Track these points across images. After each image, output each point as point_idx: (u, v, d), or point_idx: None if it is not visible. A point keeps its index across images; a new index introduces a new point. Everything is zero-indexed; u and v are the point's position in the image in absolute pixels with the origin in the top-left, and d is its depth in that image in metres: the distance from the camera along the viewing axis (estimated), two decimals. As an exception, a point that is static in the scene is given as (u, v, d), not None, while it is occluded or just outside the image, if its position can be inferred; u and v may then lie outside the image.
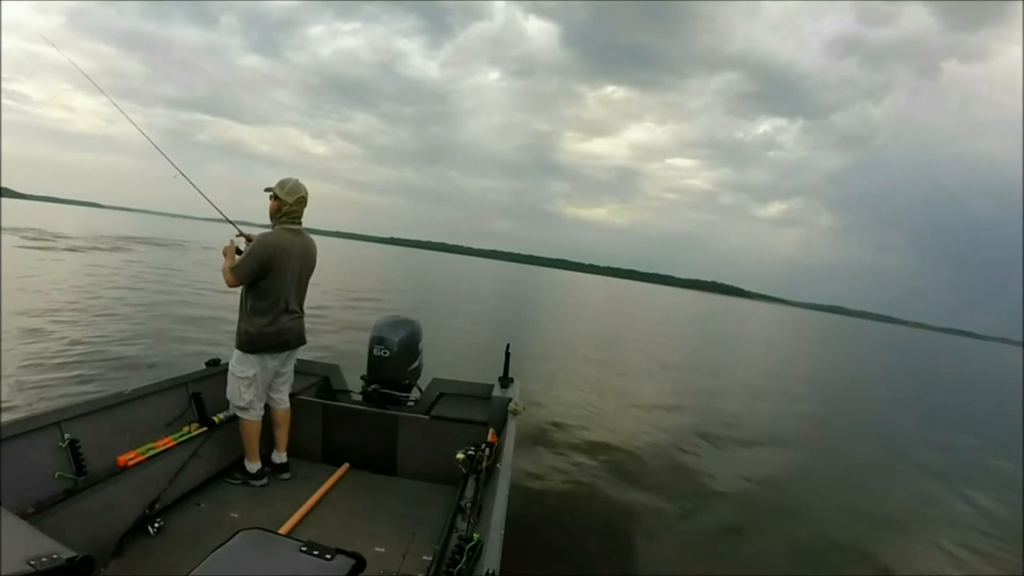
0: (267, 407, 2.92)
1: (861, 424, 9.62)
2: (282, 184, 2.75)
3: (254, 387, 2.76)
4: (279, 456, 2.97)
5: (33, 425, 2.00)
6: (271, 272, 2.68)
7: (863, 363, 24.50)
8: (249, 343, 2.71)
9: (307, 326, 2.97)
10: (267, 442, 2.94)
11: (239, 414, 2.78)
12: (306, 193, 2.81)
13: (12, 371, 5.22)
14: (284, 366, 2.93)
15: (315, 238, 2.95)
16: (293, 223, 2.79)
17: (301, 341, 2.94)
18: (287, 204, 2.75)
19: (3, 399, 4.43)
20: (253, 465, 2.85)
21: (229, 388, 2.76)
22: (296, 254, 2.78)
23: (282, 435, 2.98)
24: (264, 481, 2.85)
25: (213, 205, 3.11)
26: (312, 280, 2.97)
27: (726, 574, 3.66)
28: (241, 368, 2.73)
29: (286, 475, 2.96)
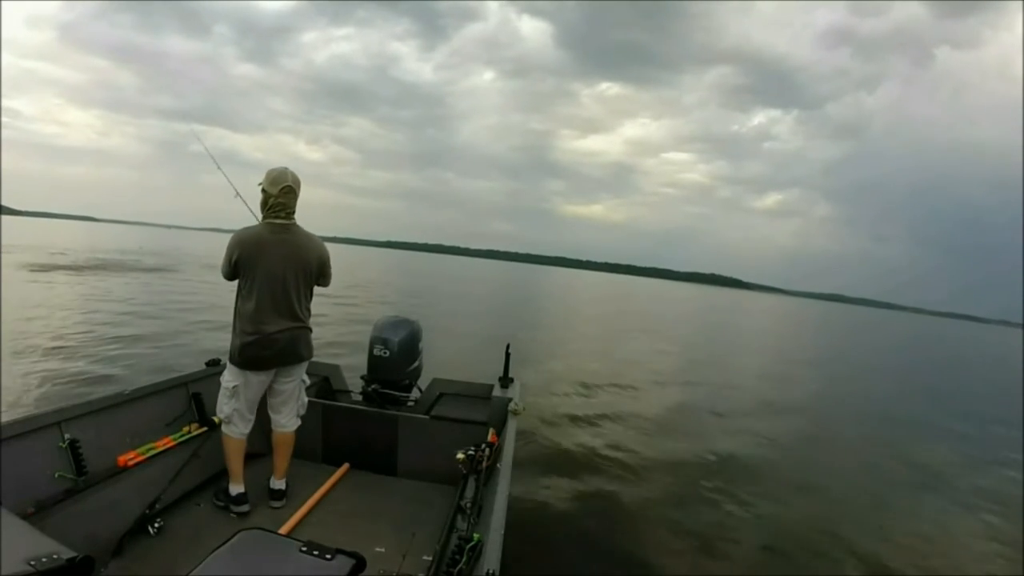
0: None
1: (868, 412, 9.59)
2: (267, 174, 2.49)
3: (235, 400, 2.50)
4: (276, 483, 2.69)
5: (33, 425, 2.00)
6: (245, 271, 2.42)
7: (868, 348, 24.52)
8: (232, 354, 2.47)
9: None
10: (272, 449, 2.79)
11: (222, 428, 2.57)
12: (295, 182, 2.47)
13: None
14: (282, 383, 2.61)
15: None
16: (277, 217, 2.45)
17: (293, 357, 2.56)
18: (272, 196, 2.44)
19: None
20: (235, 487, 2.55)
21: (219, 395, 2.59)
22: (280, 252, 2.43)
23: (280, 461, 2.69)
24: (246, 508, 2.54)
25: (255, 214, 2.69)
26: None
27: (726, 574, 3.66)
28: (228, 377, 2.52)
29: (279, 503, 2.66)
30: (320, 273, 2.62)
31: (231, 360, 2.49)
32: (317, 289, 2.67)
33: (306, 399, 2.77)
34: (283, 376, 2.60)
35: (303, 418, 2.83)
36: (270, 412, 2.69)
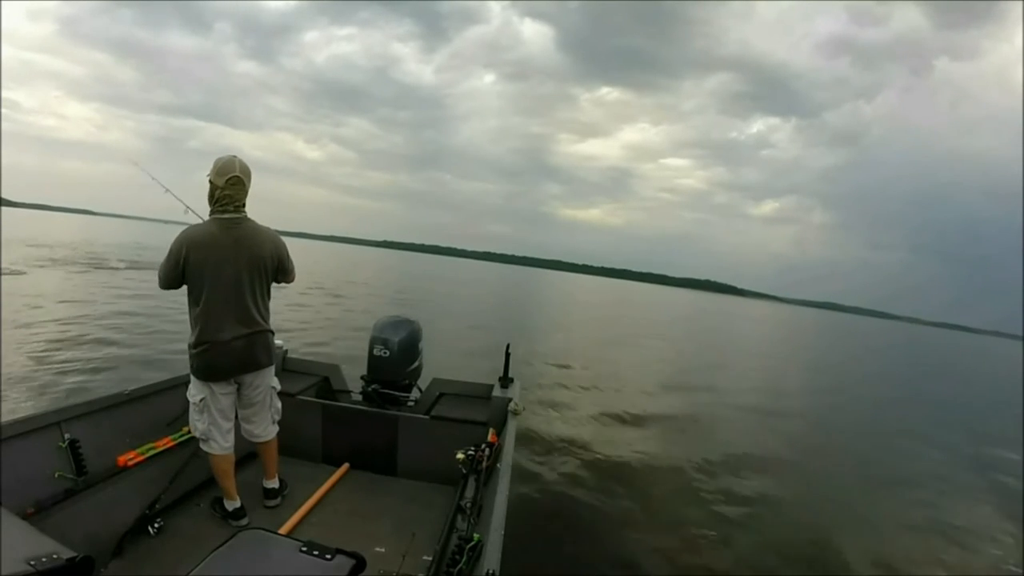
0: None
1: (863, 425, 9.62)
2: (214, 164, 2.28)
3: (206, 414, 2.34)
4: (268, 483, 2.65)
5: (33, 425, 2.00)
6: (193, 275, 2.21)
7: (859, 358, 24.59)
8: (190, 363, 2.31)
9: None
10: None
11: (201, 446, 2.41)
12: (243, 172, 2.26)
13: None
14: (249, 394, 2.44)
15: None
16: (225, 211, 2.24)
17: (253, 364, 2.37)
18: (218, 188, 2.24)
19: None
20: (230, 503, 2.46)
21: (189, 412, 2.42)
22: (231, 251, 2.23)
23: (267, 464, 2.64)
24: (245, 522, 2.45)
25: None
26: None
27: (725, 573, 3.66)
28: (193, 391, 2.36)
29: (273, 502, 2.64)
30: (278, 269, 2.41)
31: (192, 372, 2.34)
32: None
33: (279, 404, 2.62)
34: (248, 386, 2.43)
35: (303, 418, 2.81)
36: (242, 423, 2.51)
